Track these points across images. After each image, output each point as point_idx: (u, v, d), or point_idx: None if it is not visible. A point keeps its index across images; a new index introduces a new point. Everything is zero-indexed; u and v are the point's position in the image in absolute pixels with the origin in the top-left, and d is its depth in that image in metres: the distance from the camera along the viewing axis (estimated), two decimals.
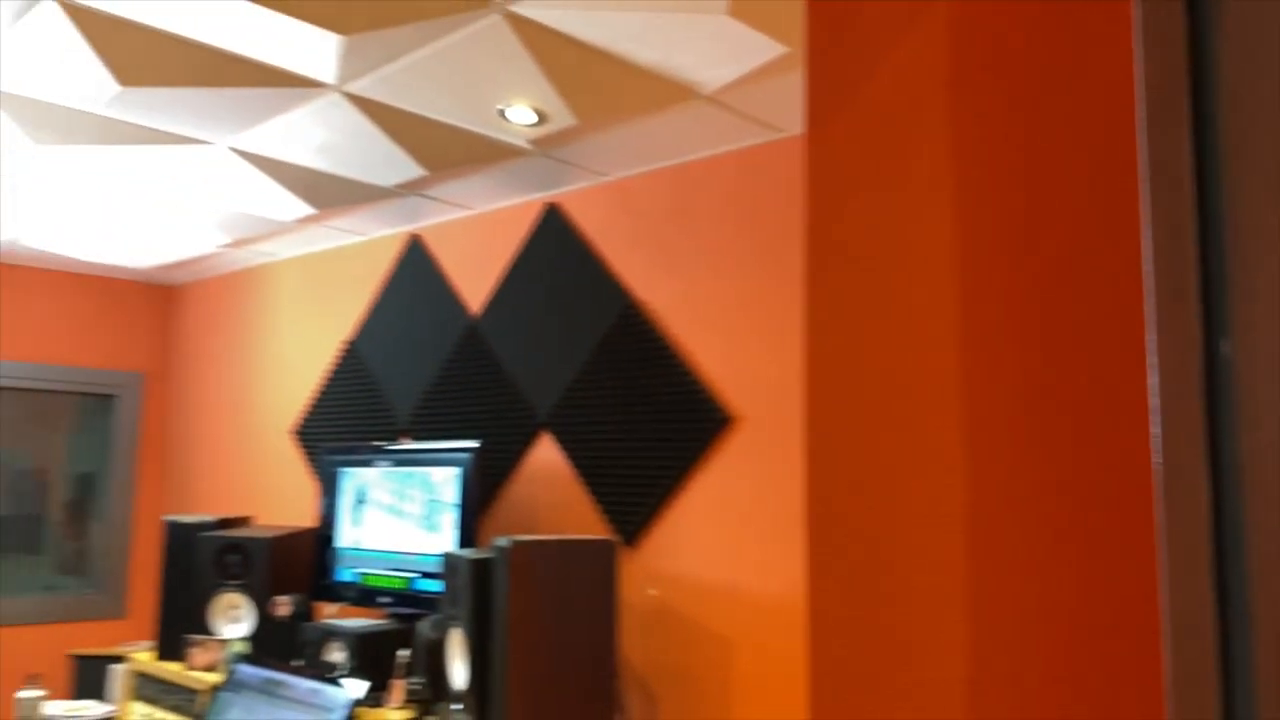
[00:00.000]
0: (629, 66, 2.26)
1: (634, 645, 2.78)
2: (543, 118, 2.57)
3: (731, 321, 2.73)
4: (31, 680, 3.24)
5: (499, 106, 2.51)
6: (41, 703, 3.21)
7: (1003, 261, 0.81)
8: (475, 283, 3.47)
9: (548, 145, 2.79)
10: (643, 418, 2.83)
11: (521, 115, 2.56)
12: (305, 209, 3.48)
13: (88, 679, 4.24)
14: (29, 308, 4.70)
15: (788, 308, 2.61)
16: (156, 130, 2.76)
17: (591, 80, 2.35)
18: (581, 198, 3.17)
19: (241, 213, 3.59)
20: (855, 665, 0.87)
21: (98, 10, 2.07)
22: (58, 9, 2.06)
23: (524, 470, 3.18)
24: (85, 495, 5.00)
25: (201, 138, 2.83)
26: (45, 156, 3.00)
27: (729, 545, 2.65)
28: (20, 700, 3.16)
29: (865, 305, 0.91)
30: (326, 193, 3.30)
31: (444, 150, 2.86)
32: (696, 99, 2.43)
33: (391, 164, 2.96)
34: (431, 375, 3.53)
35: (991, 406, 0.81)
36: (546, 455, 3.11)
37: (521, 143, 2.77)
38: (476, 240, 3.51)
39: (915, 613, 0.84)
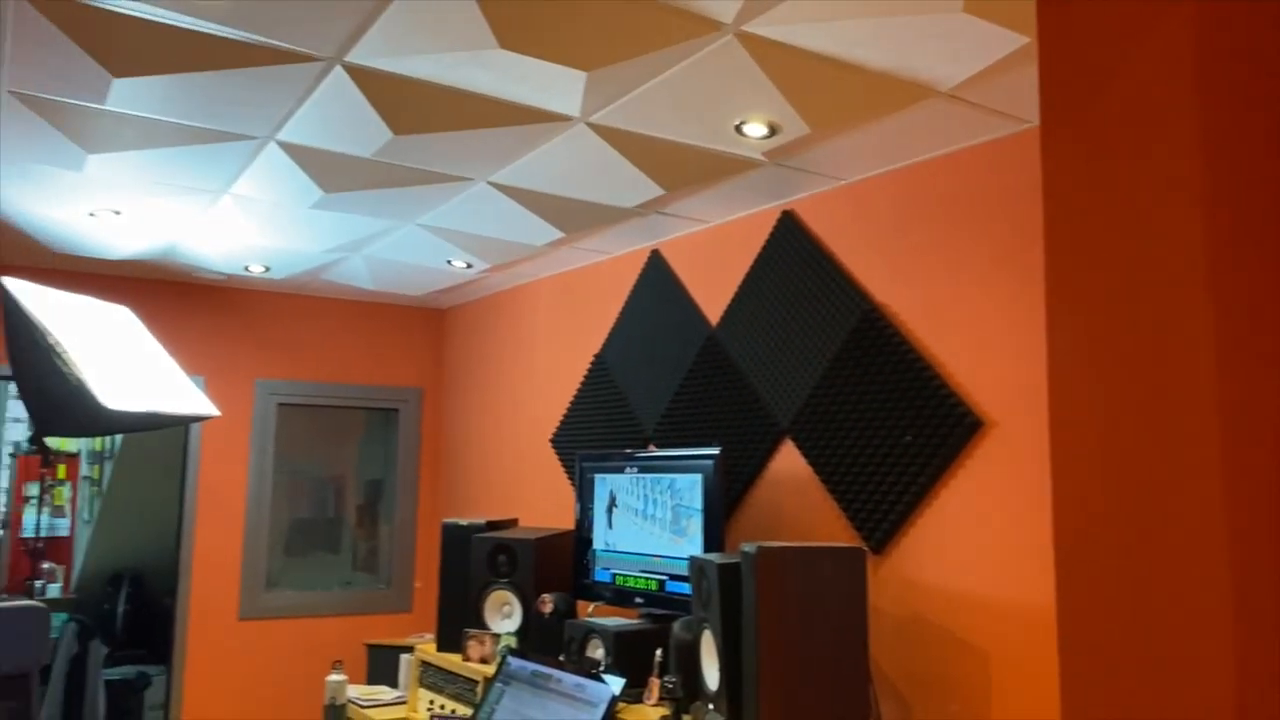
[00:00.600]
0: (862, 72, 2.26)
1: (886, 653, 2.75)
2: (775, 130, 2.62)
3: (979, 323, 2.64)
4: (336, 665, 3.66)
5: (734, 123, 2.58)
6: (345, 686, 3.61)
7: (1254, 260, 0.77)
8: (714, 293, 3.56)
9: (781, 155, 2.83)
10: (888, 423, 2.80)
11: (755, 129, 2.62)
12: (555, 233, 3.71)
13: (381, 666, 4.72)
14: (323, 334, 5.30)
15: (1039, 307, 2.49)
16: (424, 171, 3.06)
17: (824, 89, 2.36)
18: (816, 203, 3.18)
19: (499, 240, 3.88)
20: (1109, 680, 0.84)
21: (374, 69, 2.33)
22: (343, 73, 2.35)
23: (767, 476, 3.23)
24: (374, 499, 5.57)
25: (464, 175, 3.09)
26: (331, 202, 3.40)
27: (983, 553, 2.57)
28: (329, 683, 3.57)
29: (1109, 305, 0.89)
30: (574, 217, 3.51)
31: (681, 169, 2.97)
32: (933, 97, 2.38)
33: (633, 186, 3.11)
34: (674, 384, 3.66)
35: (1249, 407, 0.77)
36: (789, 461, 3.14)
37: (756, 155, 2.83)
38: (714, 252, 3.60)
39: (1174, 626, 0.80)
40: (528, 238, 3.81)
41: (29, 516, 7.14)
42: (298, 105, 2.55)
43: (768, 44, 2.15)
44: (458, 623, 3.70)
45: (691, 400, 3.57)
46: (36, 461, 7.18)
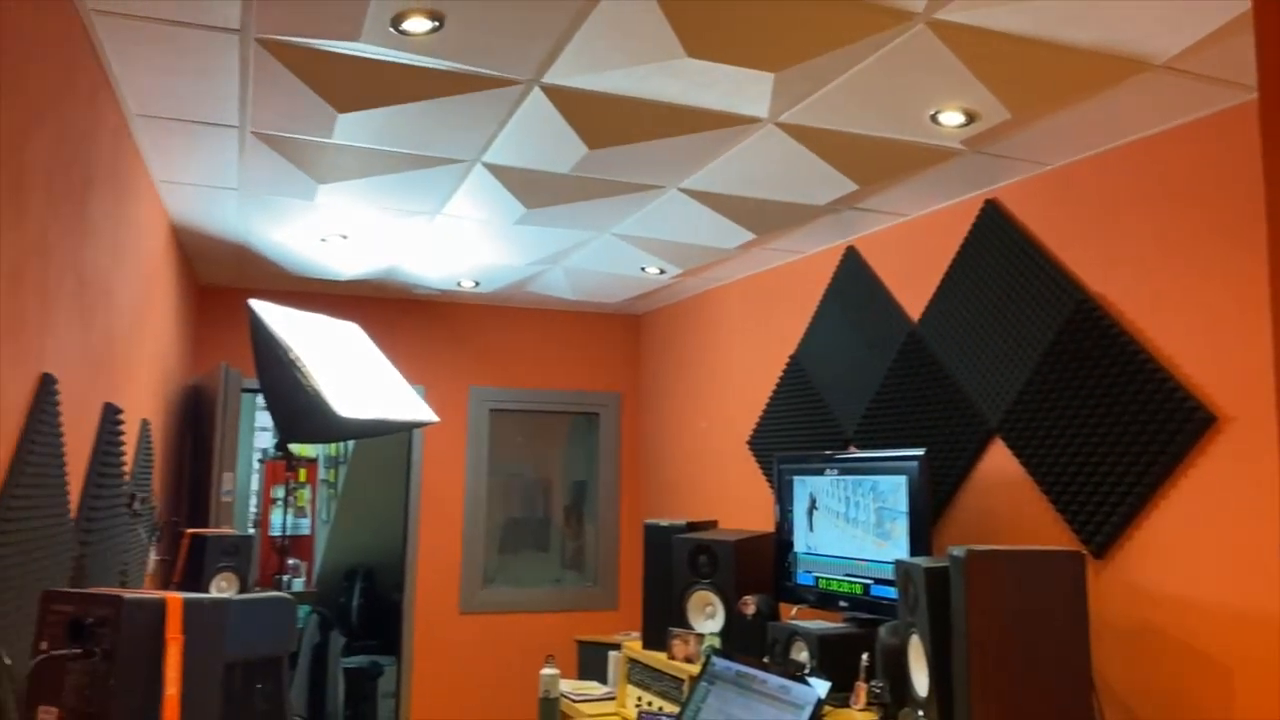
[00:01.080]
0: (1066, 50, 2.14)
1: (1110, 662, 2.59)
2: (973, 117, 2.52)
3: (1206, 309, 2.44)
4: (549, 660, 3.82)
5: (929, 112, 2.51)
6: (558, 680, 3.76)
7: None
8: (914, 289, 3.47)
9: (981, 143, 2.72)
10: (1107, 420, 2.63)
11: (952, 118, 2.53)
12: (746, 235, 3.73)
13: (590, 661, 4.88)
14: (529, 343, 5.55)
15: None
16: (618, 182, 3.15)
17: (1025, 72, 2.26)
18: (1020, 190, 3.04)
19: (691, 244, 3.94)
20: None
21: (569, 88, 2.43)
22: (540, 94, 2.46)
23: (976, 478, 3.11)
24: (579, 500, 5.77)
25: (655, 183, 3.17)
26: (533, 217, 3.56)
27: (1217, 558, 2.37)
28: (543, 676, 3.74)
29: None
30: (765, 218, 3.51)
31: (874, 163, 2.91)
32: (1148, 71, 2.23)
33: (825, 183, 3.08)
34: (874, 384, 3.58)
35: None
36: (1000, 462, 3.01)
37: (953, 144, 2.73)
38: (912, 246, 3.50)
39: None
40: (719, 241, 3.85)
41: (275, 517, 7.87)
42: (500, 128, 2.70)
43: (962, 30, 2.08)
44: (662, 622, 3.77)
45: (893, 400, 3.49)
46: (282, 466, 7.91)
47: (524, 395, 5.50)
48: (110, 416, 2.58)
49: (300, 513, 8.02)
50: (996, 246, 3.08)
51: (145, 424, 3.28)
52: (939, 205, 3.36)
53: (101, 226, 2.42)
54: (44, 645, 1.47)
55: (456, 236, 3.91)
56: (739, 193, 3.23)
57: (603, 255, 4.20)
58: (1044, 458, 2.82)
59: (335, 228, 3.81)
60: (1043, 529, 2.83)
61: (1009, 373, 2.96)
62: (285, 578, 7.73)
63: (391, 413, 3.83)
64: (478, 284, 4.82)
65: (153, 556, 3.44)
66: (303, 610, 6.94)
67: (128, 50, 2.24)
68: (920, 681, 2.48)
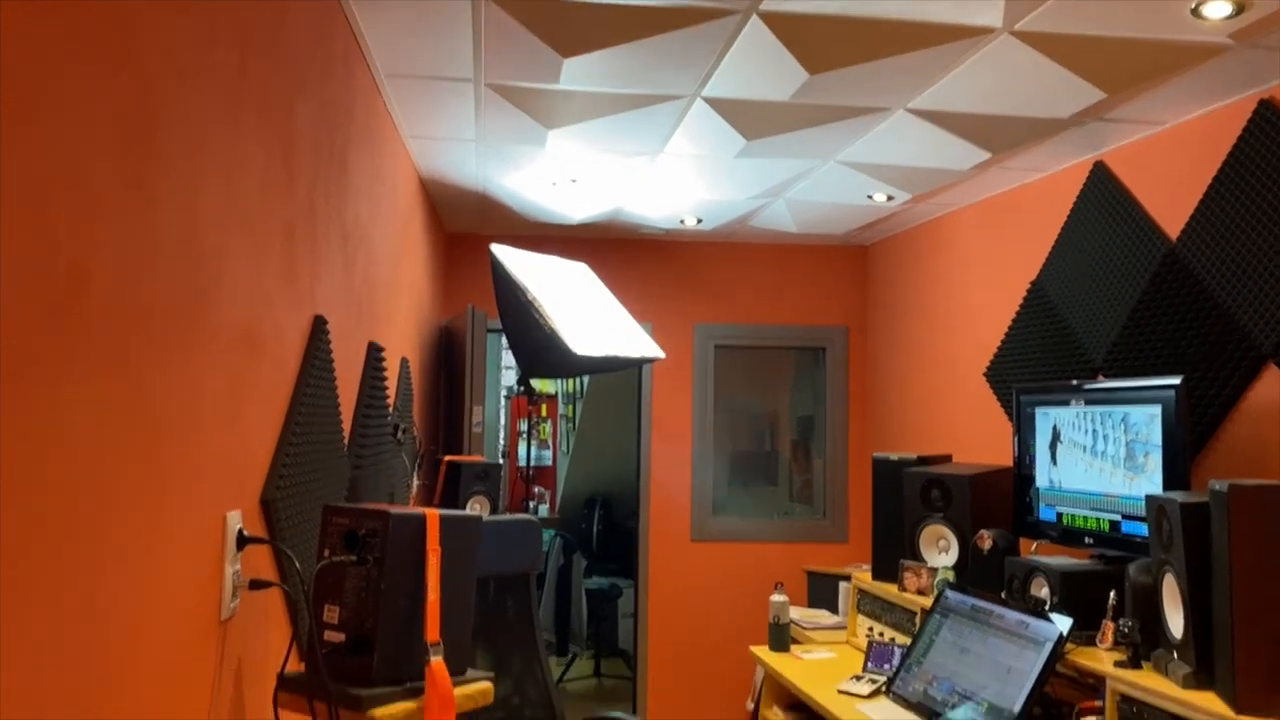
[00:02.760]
0: None
1: None
2: (1243, 6, 2.25)
3: None
4: (779, 587, 3.88)
5: (1189, 6, 2.26)
6: (788, 607, 3.82)
7: None
8: (1172, 204, 3.16)
9: (1252, 35, 2.42)
10: None
11: (1217, 9, 2.27)
12: (980, 154, 3.53)
13: (819, 591, 4.92)
14: (753, 279, 5.56)
15: None
16: (840, 106, 3.07)
17: None
18: None
19: (920, 168, 3.78)
20: None
21: (786, 12, 2.38)
22: (758, 21, 2.43)
23: (1243, 408, 2.83)
24: (807, 435, 5.76)
25: (880, 105, 3.06)
26: (753, 149, 3.53)
27: None
28: (773, 603, 3.81)
29: None
30: (1000, 135, 3.31)
31: (1125, 67, 2.66)
32: None
33: (1068, 93, 2.86)
34: (1126, 309, 3.32)
35: None
36: (1273, 390, 2.72)
37: (1219, 39, 2.45)
38: (1170, 157, 3.19)
39: None
40: (951, 163, 3.67)
41: (521, 449, 8.41)
42: (718, 60, 2.69)
43: None
44: (893, 555, 3.74)
45: (1147, 326, 3.23)
46: (525, 402, 8.42)
47: (748, 331, 5.53)
48: (374, 354, 2.85)
49: (543, 445, 8.53)
50: (1274, 151, 2.75)
51: (404, 361, 3.60)
52: (1201, 110, 3.03)
53: (360, 182, 2.66)
54: (326, 553, 1.67)
55: (678, 174, 3.96)
56: (972, 110, 3.06)
57: (827, 185, 4.11)
58: None
59: (564, 172, 3.96)
60: None
61: None
62: (531, 504, 8.28)
63: (622, 349, 3.97)
64: (700, 221, 4.86)
65: (415, 481, 3.79)
66: (547, 534, 7.42)
67: (374, 15, 2.42)
68: (1175, 623, 2.33)
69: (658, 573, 5.37)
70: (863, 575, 3.98)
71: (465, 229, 5.25)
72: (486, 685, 1.75)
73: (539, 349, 3.77)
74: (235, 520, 1.55)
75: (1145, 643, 2.48)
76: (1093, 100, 2.90)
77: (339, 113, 2.35)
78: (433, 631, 1.64)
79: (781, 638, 3.77)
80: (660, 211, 4.66)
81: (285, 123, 1.82)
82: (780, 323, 5.56)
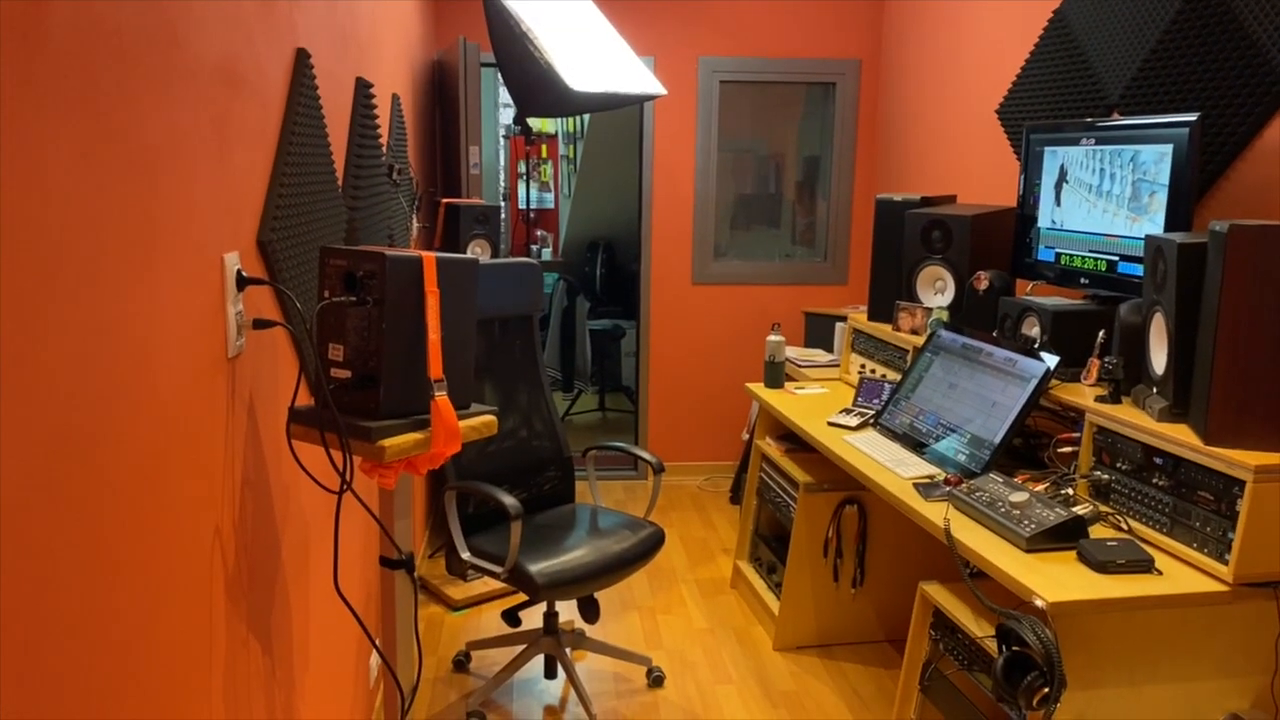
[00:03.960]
0: None
1: None
2: None
3: None
4: (775, 327, 3.97)
5: None
6: (783, 346, 3.93)
7: None
8: None
9: None
10: None
11: None
12: None
13: (816, 331, 5.04)
14: (762, 7, 5.24)
15: None
16: None
17: None
18: None
19: None
20: None
21: None
22: None
23: (1259, 147, 2.75)
24: (812, 176, 5.67)
25: None
26: None
27: None
28: (769, 342, 3.91)
29: None
30: None
31: None
32: None
33: None
34: (1150, 41, 3.15)
35: None
36: None
37: None
38: None
39: None
40: None
41: (521, 190, 8.32)
42: None
43: None
44: (890, 296, 3.79)
45: (1170, 58, 3.07)
46: (523, 142, 8.23)
47: (756, 64, 5.29)
48: (363, 90, 2.75)
49: (544, 188, 8.43)
50: None
51: (395, 98, 3.48)
52: None
53: None
54: (326, 294, 1.69)
55: None
56: None
57: None
58: None
59: None
60: None
61: None
62: (534, 247, 8.33)
63: (621, 85, 3.83)
64: None
65: (415, 224, 3.78)
66: (551, 277, 7.51)
67: None
68: (1159, 360, 2.39)
69: (659, 314, 5.47)
70: (859, 315, 4.05)
71: None
72: (490, 418, 1.83)
73: (535, 85, 3.63)
74: (233, 261, 1.56)
75: (1127, 379, 2.57)
76: None
77: None
78: (435, 369, 1.69)
79: (776, 375, 3.91)
80: None
81: None
82: (790, 55, 5.31)
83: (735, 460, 5.60)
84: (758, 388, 3.94)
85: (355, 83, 2.70)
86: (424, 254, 1.68)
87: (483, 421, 1.81)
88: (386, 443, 1.64)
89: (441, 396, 1.69)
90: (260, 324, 1.67)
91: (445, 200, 3.67)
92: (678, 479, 5.60)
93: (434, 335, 1.68)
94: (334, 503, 2.27)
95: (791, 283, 5.55)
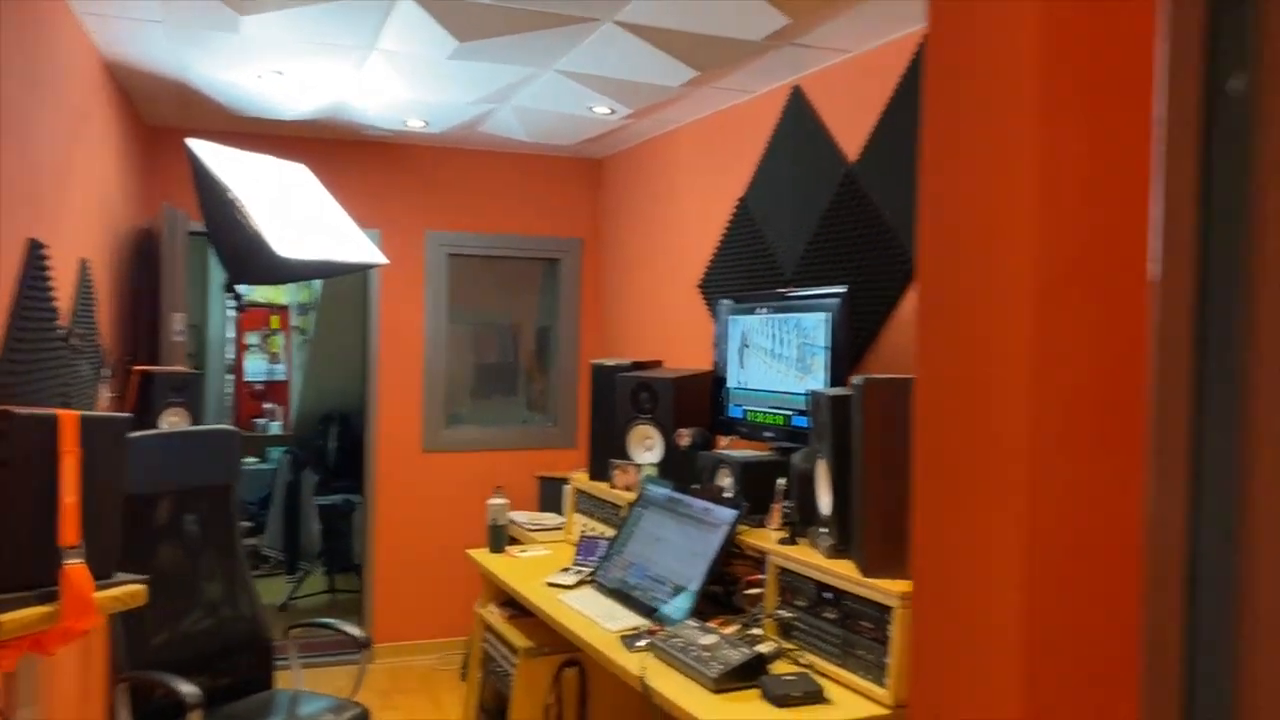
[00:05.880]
0: None
1: None
2: None
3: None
4: (497, 491, 3.98)
5: None
6: (506, 510, 3.93)
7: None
8: (852, 128, 3.44)
9: None
10: None
11: None
12: (689, 72, 3.66)
13: (550, 495, 5.09)
14: (487, 187, 5.51)
15: None
16: (550, 14, 3.08)
17: None
18: None
19: (635, 82, 3.87)
20: None
21: None
22: None
23: (899, 315, 3.18)
24: (545, 345, 5.87)
25: (589, 15, 3.09)
26: (468, 51, 3.48)
27: None
28: (490, 506, 3.91)
29: None
30: (704, 53, 3.45)
31: None
32: None
33: (758, 14, 3.01)
34: (812, 226, 3.61)
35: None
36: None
37: None
38: (853, 84, 3.46)
39: None
40: (662, 78, 3.78)
41: (250, 363, 8.00)
42: None
43: None
44: (608, 456, 3.93)
45: (828, 241, 3.52)
46: (255, 314, 7.98)
47: (483, 240, 5.51)
48: (35, 251, 2.61)
49: (274, 359, 8.15)
50: None
51: (85, 263, 3.31)
52: (880, 40, 3.29)
53: (12, 56, 2.39)
54: None
55: (394, 73, 3.84)
56: (674, 26, 3.16)
57: (550, 94, 4.13)
58: None
59: (268, 63, 3.73)
60: None
61: None
62: (263, 421, 7.94)
63: (336, 254, 3.85)
64: (427, 124, 4.75)
65: (105, 394, 3.53)
66: (276, 451, 7.17)
67: None
68: (825, 502, 2.62)
69: (388, 484, 5.34)
70: (581, 476, 4.16)
71: (168, 122, 4.84)
72: (137, 588, 1.71)
73: (243, 251, 3.58)
74: None
75: (803, 521, 2.78)
76: (779, 24, 3.08)
77: None
78: (69, 534, 1.57)
79: (499, 539, 3.89)
80: (382, 111, 4.51)
81: None
82: (516, 232, 5.57)
83: (470, 634, 5.42)
84: (480, 553, 3.90)
85: (26, 244, 2.56)
86: (61, 412, 1.59)
87: (127, 592, 1.68)
88: (4, 618, 1.48)
89: (75, 565, 1.57)
90: None
91: (138, 368, 3.47)
92: (407, 659, 5.33)
93: (69, 498, 1.57)
94: None
95: (526, 447, 5.61)
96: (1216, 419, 0.53)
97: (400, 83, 3.98)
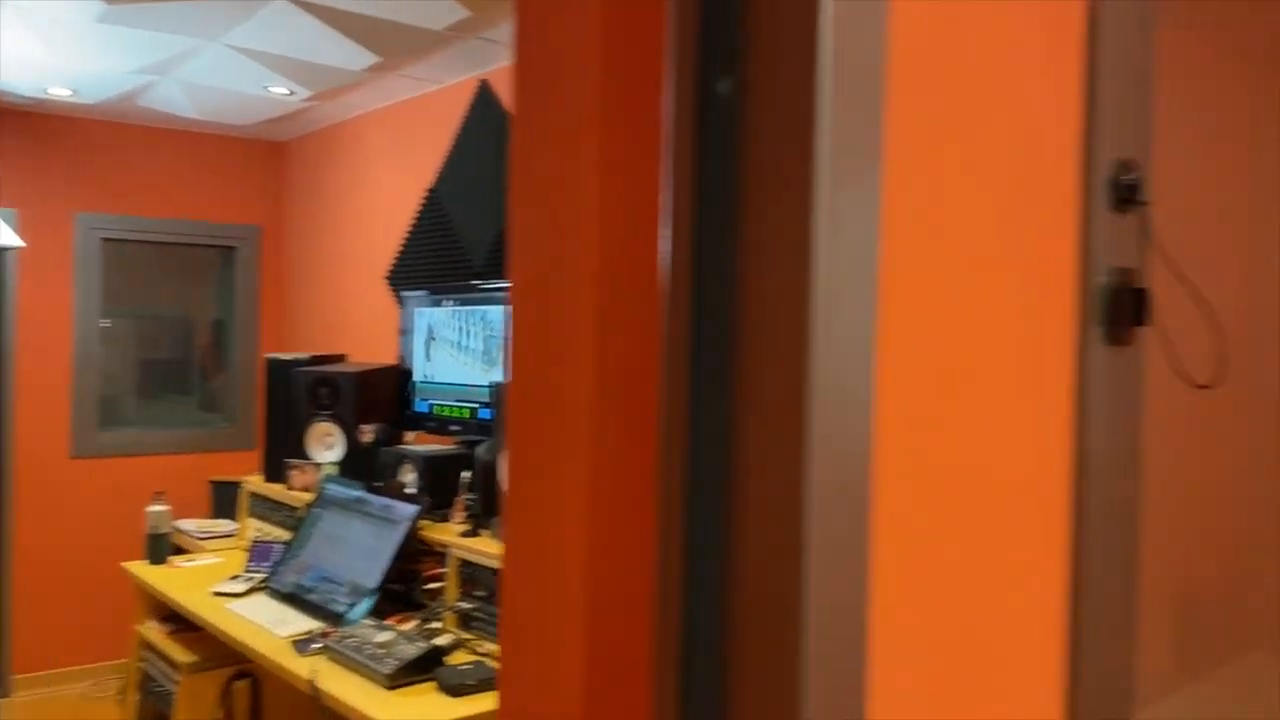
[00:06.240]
0: None
1: None
2: None
3: None
4: (158, 496, 3.66)
5: None
6: (167, 517, 3.62)
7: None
8: None
9: None
10: None
11: None
12: (371, 57, 3.56)
13: (224, 501, 4.74)
14: (153, 167, 5.04)
15: None
16: None
17: None
18: None
19: (313, 63, 3.70)
20: None
21: None
22: None
23: None
24: (221, 340, 5.45)
25: None
26: (118, 15, 3.17)
27: None
28: (149, 513, 3.58)
29: None
30: (385, 39, 3.36)
31: None
32: None
33: (435, 2, 2.98)
34: (501, 218, 3.63)
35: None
36: None
37: None
38: None
39: None
40: (343, 62, 3.65)
41: None
42: None
43: None
44: (284, 455, 3.73)
45: None
46: None
47: (147, 224, 5.02)
48: None
49: None
50: None
51: None
52: None
53: None
54: None
55: (29, 32, 3.40)
56: (350, 7, 3.06)
57: (221, 69, 3.84)
58: None
59: None
60: None
61: None
62: None
63: None
64: (75, 93, 4.26)
65: None
66: None
67: None
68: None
69: (29, 497, 4.73)
70: (256, 479, 3.92)
71: None
72: None
73: None
74: None
75: (485, 513, 2.80)
76: (460, 16, 3.07)
77: None
78: None
79: (159, 549, 3.57)
80: (17, 74, 3.98)
81: None
82: (184, 217, 5.13)
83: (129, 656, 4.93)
84: (137, 565, 3.56)
85: None
86: None
87: None
88: None
89: None
90: None
91: None
92: (56, 689, 4.75)
93: None
94: None
95: (198, 450, 5.19)
96: (709, 386, 0.60)
97: (38, 44, 3.54)
